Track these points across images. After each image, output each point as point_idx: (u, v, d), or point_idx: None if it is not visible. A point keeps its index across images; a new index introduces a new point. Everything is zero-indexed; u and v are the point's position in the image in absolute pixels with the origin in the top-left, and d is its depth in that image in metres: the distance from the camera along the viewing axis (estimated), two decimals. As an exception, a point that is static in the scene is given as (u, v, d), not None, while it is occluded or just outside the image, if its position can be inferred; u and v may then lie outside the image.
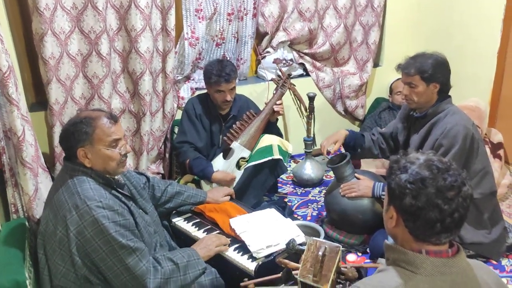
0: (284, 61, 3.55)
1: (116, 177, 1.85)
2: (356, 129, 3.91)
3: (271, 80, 3.19)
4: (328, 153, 2.62)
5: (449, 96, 2.36)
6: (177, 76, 3.23)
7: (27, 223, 2.05)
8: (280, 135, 3.01)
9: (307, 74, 3.68)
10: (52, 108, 2.76)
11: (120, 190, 1.84)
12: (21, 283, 1.70)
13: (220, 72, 2.70)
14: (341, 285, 1.41)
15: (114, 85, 2.95)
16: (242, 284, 1.72)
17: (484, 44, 3.28)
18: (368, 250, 2.52)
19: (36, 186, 2.10)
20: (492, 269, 1.28)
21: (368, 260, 2.45)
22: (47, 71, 2.67)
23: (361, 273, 1.53)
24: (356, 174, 2.57)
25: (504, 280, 2.30)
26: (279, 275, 1.58)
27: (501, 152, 3.18)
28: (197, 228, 2.24)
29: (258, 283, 1.70)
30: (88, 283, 1.72)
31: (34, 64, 2.88)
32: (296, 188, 3.32)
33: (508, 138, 3.25)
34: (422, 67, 2.26)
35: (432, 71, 2.26)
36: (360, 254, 2.50)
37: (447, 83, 2.33)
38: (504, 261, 2.46)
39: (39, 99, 3.03)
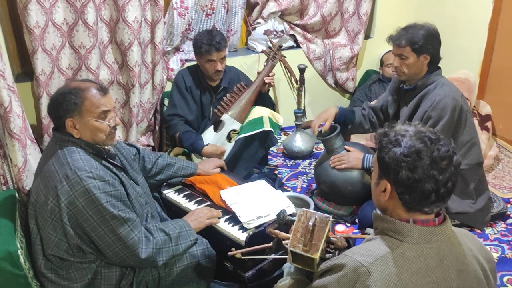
0: (274, 33, 3.51)
1: (106, 147, 1.84)
2: (346, 101, 3.91)
3: (262, 51, 3.16)
4: (320, 133, 2.61)
5: (439, 68, 2.36)
6: (166, 47, 3.18)
7: (17, 195, 2.04)
8: (272, 104, 3.00)
9: (298, 46, 3.65)
10: (38, 78, 2.70)
11: (111, 160, 1.83)
12: (13, 253, 1.71)
13: (210, 41, 2.66)
14: (330, 254, 1.43)
15: (101, 55, 2.90)
16: (229, 253, 1.75)
17: (476, 16, 3.27)
18: (356, 220, 2.57)
19: (25, 158, 2.08)
20: (476, 237, 1.32)
21: (357, 230, 2.50)
22: (32, 41, 2.60)
23: (350, 242, 1.55)
24: (345, 146, 2.59)
25: (488, 248, 2.37)
26: (270, 244, 1.60)
27: (488, 124, 3.22)
28: (188, 199, 2.25)
29: (245, 252, 1.73)
30: (80, 252, 1.74)
31: (18, 33, 2.80)
32: (286, 160, 3.34)
33: (496, 110, 3.29)
34: (413, 39, 2.25)
35: (423, 42, 2.25)
36: (349, 224, 2.55)
37: (438, 55, 2.33)
38: (488, 230, 2.53)
39: (24, 70, 2.97)
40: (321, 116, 2.62)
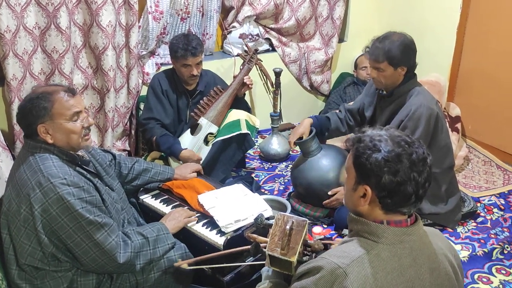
0: (250, 36, 3.53)
1: (80, 153, 1.82)
2: (321, 104, 3.96)
3: (238, 55, 3.17)
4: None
5: (415, 75, 2.40)
6: (142, 51, 3.16)
7: (-12, 203, 1.99)
8: (248, 109, 3.02)
9: (273, 50, 3.68)
10: (9, 84, 2.65)
11: (85, 167, 1.81)
12: (-15, 264, 1.67)
13: (186, 46, 2.66)
14: (308, 257, 1.45)
15: (75, 60, 2.85)
16: (175, 264, 1.77)
17: (444, 21, 3.37)
18: (333, 222, 2.61)
19: (-3, 165, 2.04)
20: (443, 235, 1.36)
21: (333, 232, 2.54)
22: (3, 45, 2.55)
23: (327, 245, 1.58)
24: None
25: (459, 246, 2.45)
26: (248, 247, 1.61)
27: (458, 125, 3.32)
28: (165, 204, 2.25)
29: (195, 262, 1.74)
30: (55, 260, 1.71)
31: (-12, 37, 2.74)
32: (263, 163, 3.36)
33: (465, 112, 3.39)
34: (390, 53, 2.25)
35: (400, 56, 2.26)
36: (325, 226, 2.58)
37: (414, 65, 2.36)
38: (459, 229, 2.60)
39: (-5, 75, 2.90)
40: (296, 131, 2.62)
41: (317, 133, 2.63)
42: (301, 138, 2.60)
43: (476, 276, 2.28)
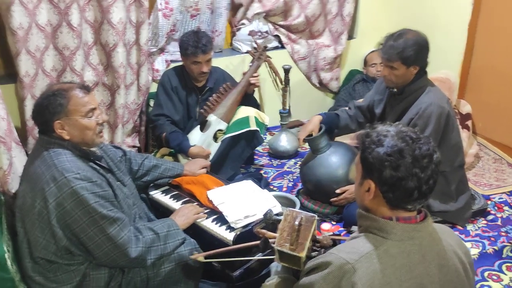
0: (259, 33, 3.53)
1: (92, 149, 1.84)
2: (330, 101, 3.96)
3: (247, 52, 3.18)
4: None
5: (426, 72, 2.38)
6: (152, 48, 3.18)
7: (2, 197, 2.03)
8: (257, 106, 3.03)
9: (282, 47, 3.68)
10: (22, 80, 2.68)
11: (97, 162, 1.83)
12: (0, 256, 1.70)
13: (196, 43, 2.67)
14: (316, 253, 1.46)
15: (86, 57, 2.88)
16: (191, 256, 1.78)
17: (456, 17, 3.34)
18: (342, 219, 2.61)
19: (10, 160, 2.07)
20: (454, 232, 1.36)
21: (342, 229, 2.54)
22: (15, 42, 2.58)
23: (335, 241, 1.59)
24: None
25: (469, 244, 2.44)
26: (257, 242, 1.63)
27: (469, 123, 3.30)
28: (175, 200, 2.26)
29: (210, 255, 1.75)
30: (69, 254, 1.73)
31: (0, 34, 2.77)
32: (272, 160, 3.37)
33: (476, 109, 3.36)
34: (404, 53, 2.23)
35: (414, 57, 2.24)
36: (334, 223, 2.59)
37: (426, 64, 2.34)
38: (469, 226, 2.59)
39: (7, 71, 2.93)
40: (306, 128, 2.63)
41: (326, 130, 2.63)
42: (310, 135, 2.60)
43: (486, 274, 2.27)
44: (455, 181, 2.48)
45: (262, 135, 2.80)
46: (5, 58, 2.90)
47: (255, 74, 2.90)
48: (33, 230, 1.71)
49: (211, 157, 2.74)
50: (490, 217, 2.67)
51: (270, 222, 1.69)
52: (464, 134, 3.14)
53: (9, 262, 1.72)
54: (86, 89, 1.78)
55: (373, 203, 1.23)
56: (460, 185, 2.51)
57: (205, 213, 2.10)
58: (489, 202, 2.78)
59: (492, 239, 2.50)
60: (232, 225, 2.01)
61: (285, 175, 3.17)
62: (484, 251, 2.40)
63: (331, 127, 2.68)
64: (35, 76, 2.74)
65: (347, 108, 2.77)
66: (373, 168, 1.19)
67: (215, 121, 2.82)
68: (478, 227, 2.59)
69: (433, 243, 1.22)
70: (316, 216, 1.49)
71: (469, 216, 2.59)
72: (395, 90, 2.42)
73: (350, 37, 3.89)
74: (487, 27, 3.25)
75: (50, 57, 2.76)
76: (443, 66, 3.36)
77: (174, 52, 3.27)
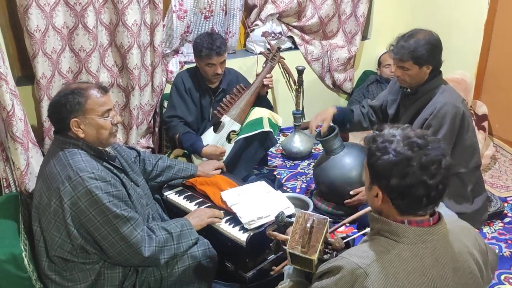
0: (272, 34, 3.53)
1: (107, 149, 1.87)
2: (344, 102, 3.94)
3: (261, 53, 3.18)
4: (318, 134, 2.61)
5: (440, 72, 2.35)
6: (166, 50, 3.20)
7: (19, 197, 2.06)
8: (270, 107, 3.02)
9: (296, 48, 3.67)
10: (39, 82, 2.73)
11: (111, 162, 1.86)
12: (17, 255, 1.73)
13: (211, 45, 2.69)
14: (328, 255, 1.46)
15: (101, 58, 2.92)
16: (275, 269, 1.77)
17: (471, 17, 3.30)
18: (355, 221, 2.59)
19: (28, 161, 2.11)
20: (471, 228, 1.32)
21: (356, 230, 2.53)
22: (32, 44, 2.63)
23: (349, 243, 1.58)
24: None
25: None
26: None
27: (485, 124, 3.25)
28: (188, 201, 2.28)
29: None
30: (84, 252, 1.76)
31: (18, 37, 2.83)
32: (285, 161, 3.37)
33: (492, 110, 3.32)
34: (416, 53, 2.21)
35: (426, 56, 2.21)
36: (348, 225, 2.57)
37: (440, 63, 2.31)
38: (486, 229, 2.56)
39: (25, 73, 2.99)
40: (319, 116, 2.63)
41: (339, 123, 2.62)
42: (323, 135, 2.59)
43: (503, 277, 2.24)
44: (471, 183, 2.44)
45: (275, 136, 2.80)
46: (23, 61, 2.96)
47: (268, 75, 2.90)
48: (49, 229, 1.74)
49: (224, 158, 2.75)
50: (506, 220, 2.64)
51: (282, 224, 1.68)
52: (480, 136, 3.10)
53: (26, 261, 1.75)
54: (104, 89, 1.81)
55: (384, 207, 1.22)
56: (476, 187, 2.47)
57: (220, 218, 2.09)
58: (506, 204, 2.74)
59: (509, 241, 2.46)
60: (245, 226, 2.01)
61: (298, 176, 3.16)
62: (500, 254, 2.37)
63: (344, 121, 2.66)
64: (52, 78, 2.78)
65: (361, 105, 2.76)
66: (380, 176, 1.18)
67: (229, 122, 2.83)
68: (495, 230, 2.55)
69: (447, 245, 1.21)
70: (328, 218, 1.49)
71: (485, 218, 2.55)
72: (409, 90, 2.40)
73: (364, 37, 3.87)
74: (504, 27, 3.20)
75: (66, 58, 2.81)
76: (459, 66, 3.32)
77: (188, 53, 3.29)
